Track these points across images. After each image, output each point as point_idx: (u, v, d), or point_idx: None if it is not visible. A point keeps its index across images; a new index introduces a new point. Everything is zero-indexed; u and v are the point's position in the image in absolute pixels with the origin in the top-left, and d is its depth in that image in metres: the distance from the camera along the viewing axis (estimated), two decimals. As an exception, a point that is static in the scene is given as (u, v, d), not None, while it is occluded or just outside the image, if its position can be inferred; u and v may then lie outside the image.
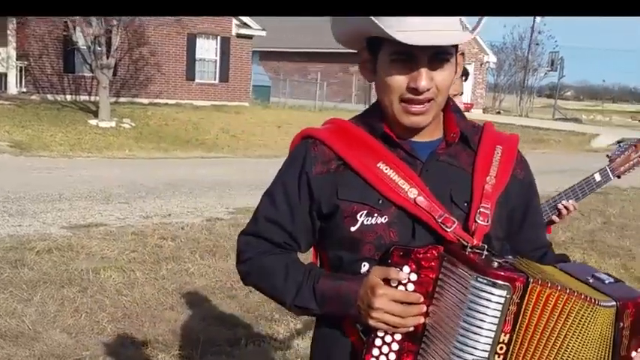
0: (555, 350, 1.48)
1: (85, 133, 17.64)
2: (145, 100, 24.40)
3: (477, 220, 1.62)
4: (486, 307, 1.45)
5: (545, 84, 45.40)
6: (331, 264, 1.75)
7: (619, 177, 3.12)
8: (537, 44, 42.10)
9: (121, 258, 6.70)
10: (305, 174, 1.72)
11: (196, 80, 26.38)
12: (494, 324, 1.45)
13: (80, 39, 19.44)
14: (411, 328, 1.57)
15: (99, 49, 18.57)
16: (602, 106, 57.59)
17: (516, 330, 1.46)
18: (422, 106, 1.61)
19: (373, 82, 1.72)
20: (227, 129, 20.58)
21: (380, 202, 1.64)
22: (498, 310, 1.44)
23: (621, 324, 1.50)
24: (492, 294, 1.44)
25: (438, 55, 1.59)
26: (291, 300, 1.69)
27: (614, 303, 1.49)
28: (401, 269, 1.56)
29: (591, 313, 1.47)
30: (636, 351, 1.55)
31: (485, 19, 1.63)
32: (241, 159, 16.27)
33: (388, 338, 1.59)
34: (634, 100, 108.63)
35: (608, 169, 3.07)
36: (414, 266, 1.55)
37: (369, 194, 1.64)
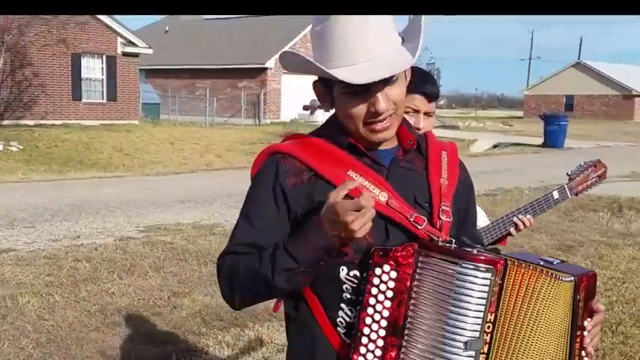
0: (532, 323, 1.61)
1: (-29, 158, 16.80)
2: (31, 122, 23.48)
3: (440, 217, 1.74)
4: (472, 289, 1.55)
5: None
6: None
7: (577, 195, 3.17)
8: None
9: (37, 282, 6.44)
10: (279, 186, 1.73)
11: (83, 100, 25.62)
12: (482, 305, 1.55)
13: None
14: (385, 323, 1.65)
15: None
16: (475, 113, 60.14)
17: (499, 308, 1.58)
18: (385, 122, 1.69)
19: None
20: (120, 148, 20.10)
21: None
22: (484, 292, 1.55)
23: (578, 296, 1.66)
24: (477, 277, 1.55)
25: (388, 78, 1.66)
26: (272, 271, 1.64)
27: (572, 278, 1.64)
28: (382, 268, 1.64)
29: (556, 288, 1.62)
30: (587, 320, 1.72)
31: (422, 39, 1.68)
32: (141, 177, 15.93)
33: (373, 335, 1.66)
34: (501, 106, 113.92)
35: (567, 188, 3.11)
36: (393, 264, 1.64)
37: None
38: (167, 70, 35.89)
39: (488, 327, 1.58)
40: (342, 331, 1.72)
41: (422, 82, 2.71)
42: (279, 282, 1.65)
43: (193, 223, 9.38)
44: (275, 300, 1.91)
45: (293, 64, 1.79)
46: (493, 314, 1.58)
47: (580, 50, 75.09)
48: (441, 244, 1.65)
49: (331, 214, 1.54)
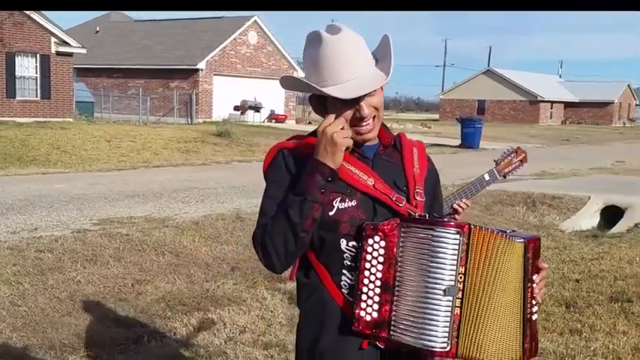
0: (494, 275, 1.99)
1: None
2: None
3: (415, 197, 2.14)
4: (446, 247, 1.94)
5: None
6: (315, 245, 2.12)
7: (504, 177, 3.55)
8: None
9: (4, 272, 6.48)
10: (289, 172, 2.11)
11: (17, 97, 25.01)
12: (454, 259, 1.94)
13: None
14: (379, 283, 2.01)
15: None
16: (396, 115, 61.42)
17: (467, 262, 1.96)
18: (369, 125, 2.10)
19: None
20: (57, 145, 19.74)
21: (349, 190, 2.08)
22: (455, 249, 1.94)
23: (528, 254, 2.04)
24: (449, 237, 1.94)
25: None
26: (286, 211, 2.01)
27: (523, 240, 2.04)
28: (373, 239, 2.02)
29: (510, 247, 2.01)
30: (535, 275, 2.09)
31: (392, 58, 2.10)
32: (84, 173, 15.78)
33: (370, 293, 2.02)
34: (418, 109, 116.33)
35: (495, 171, 3.48)
36: (382, 235, 2.01)
37: (340, 185, 2.07)
38: (99, 70, 35.27)
39: (461, 277, 1.96)
40: (346, 292, 2.08)
41: None
42: (294, 217, 2.00)
43: (145, 217, 9.48)
44: (290, 269, 2.23)
45: (293, 85, 2.29)
46: (463, 267, 1.96)
47: (489, 58, 77.33)
48: (417, 217, 2.05)
49: (321, 136, 2.01)
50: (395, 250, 1.99)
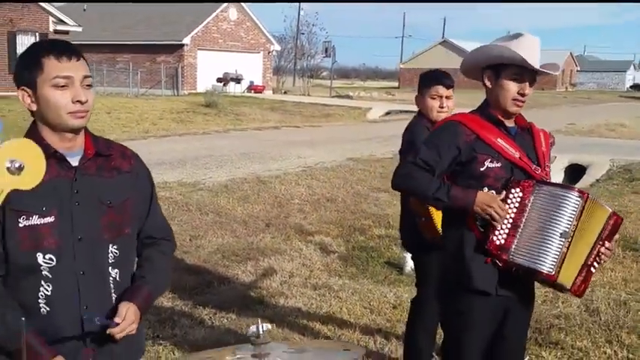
0: (586, 229, 2.60)
1: None
2: (-29, 94, 22.67)
3: (545, 169, 2.74)
4: (569, 205, 2.56)
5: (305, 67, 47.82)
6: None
7: None
8: (306, 33, 44.75)
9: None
10: (456, 138, 2.68)
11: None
12: (573, 214, 2.55)
13: None
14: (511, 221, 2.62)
15: None
16: (363, 84, 61.96)
17: (579, 220, 2.56)
18: (523, 103, 2.69)
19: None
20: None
21: (497, 156, 2.66)
22: (576, 207, 2.56)
23: (610, 222, 2.62)
24: (573, 199, 2.56)
25: (534, 78, 2.68)
26: (432, 193, 2.63)
27: (610, 210, 2.64)
28: (515, 190, 2.62)
29: (601, 211, 2.62)
30: (607, 242, 2.65)
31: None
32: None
33: (503, 227, 2.61)
34: (377, 77, 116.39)
35: None
36: (521, 188, 2.62)
37: (492, 152, 2.66)
38: (89, 45, 34.86)
39: (573, 227, 2.56)
40: (479, 224, 2.66)
41: (442, 77, 3.79)
42: (430, 201, 2.72)
43: (178, 182, 9.95)
44: None
45: (483, 58, 2.75)
46: (577, 221, 2.56)
47: (444, 29, 77.81)
48: (549, 182, 2.67)
49: (487, 206, 2.58)
50: (527, 200, 2.60)
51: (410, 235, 3.75)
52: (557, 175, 11.89)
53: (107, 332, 1.99)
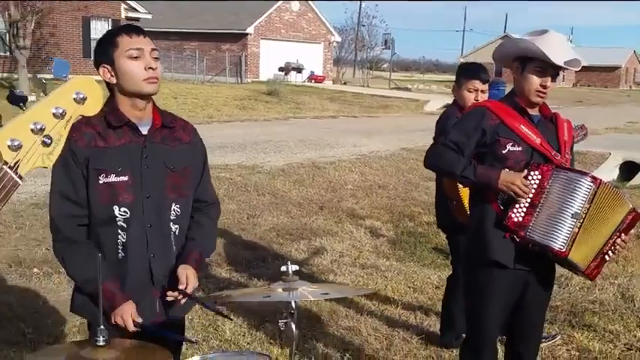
0: (603, 215, 2.77)
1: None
2: (48, 76, 23.69)
3: (565, 156, 2.92)
4: (582, 188, 2.74)
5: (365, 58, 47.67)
6: None
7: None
8: (366, 25, 44.77)
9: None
10: (482, 121, 2.88)
11: (92, 58, 25.83)
12: (585, 197, 2.73)
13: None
14: (529, 201, 2.80)
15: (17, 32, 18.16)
16: (422, 77, 61.52)
17: (591, 203, 2.74)
18: (546, 95, 2.86)
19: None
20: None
21: (518, 140, 2.85)
22: (588, 191, 2.73)
23: (628, 217, 2.81)
24: (586, 183, 2.74)
25: (557, 73, 2.86)
26: (460, 171, 2.85)
27: (631, 205, 2.82)
28: (534, 173, 2.80)
29: (620, 205, 2.80)
30: (623, 234, 2.85)
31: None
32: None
33: (522, 206, 2.81)
34: (437, 71, 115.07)
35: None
36: (540, 171, 2.81)
37: (514, 137, 2.86)
38: (158, 33, 35.83)
39: (585, 210, 2.74)
40: (500, 202, 2.87)
41: (480, 72, 3.99)
42: (457, 178, 2.95)
43: (238, 164, 10.35)
44: None
45: (510, 51, 2.97)
46: (589, 205, 2.74)
47: (505, 24, 76.47)
48: (567, 167, 2.85)
49: (510, 183, 2.77)
50: (545, 183, 2.80)
51: (444, 217, 4.02)
52: (611, 172, 11.78)
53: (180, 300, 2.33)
